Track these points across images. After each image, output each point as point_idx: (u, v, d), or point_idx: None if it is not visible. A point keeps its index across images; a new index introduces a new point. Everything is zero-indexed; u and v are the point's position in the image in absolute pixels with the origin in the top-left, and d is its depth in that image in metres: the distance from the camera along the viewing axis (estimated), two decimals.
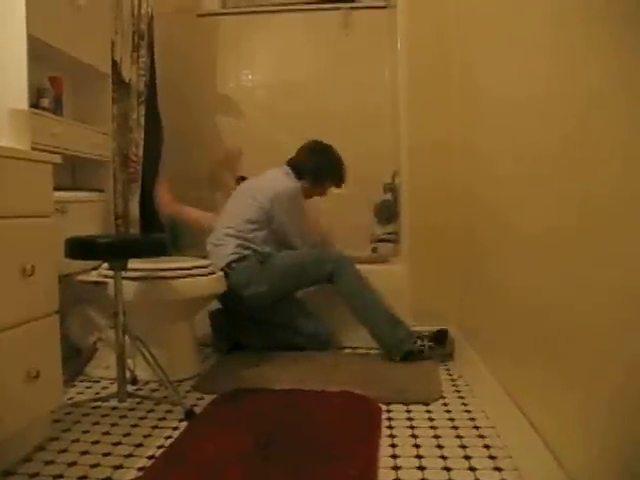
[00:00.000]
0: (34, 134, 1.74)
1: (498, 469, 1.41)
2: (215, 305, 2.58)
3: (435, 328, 2.43)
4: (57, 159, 1.58)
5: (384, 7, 3.36)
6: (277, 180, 2.60)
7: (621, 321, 0.91)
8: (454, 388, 2.06)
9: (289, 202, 2.54)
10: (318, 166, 2.68)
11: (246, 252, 2.47)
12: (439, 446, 1.55)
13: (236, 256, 2.45)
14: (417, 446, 1.56)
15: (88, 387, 2.12)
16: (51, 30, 2.07)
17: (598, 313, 1.00)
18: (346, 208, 3.32)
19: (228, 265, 2.42)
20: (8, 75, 1.73)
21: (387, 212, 3.04)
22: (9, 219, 1.38)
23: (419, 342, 2.36)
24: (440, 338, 2.38)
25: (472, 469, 1.41)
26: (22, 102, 1.72)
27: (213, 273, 2.24)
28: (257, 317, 2.57)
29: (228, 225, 2.54)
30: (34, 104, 2.06)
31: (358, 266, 2.49)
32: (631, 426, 0.88)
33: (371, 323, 2.42)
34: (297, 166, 2.67)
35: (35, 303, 1.46)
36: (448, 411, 1.83)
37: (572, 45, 1.11)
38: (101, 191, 2.52)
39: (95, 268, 2.24)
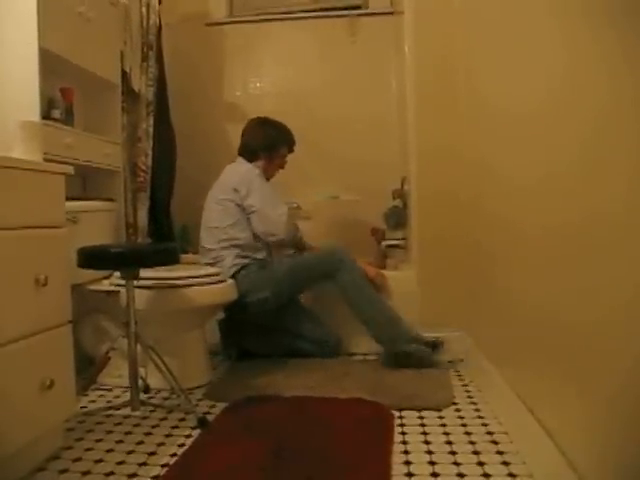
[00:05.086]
0: (46, 145, 1.76)
1: (512, 475, 1.40)
2: (223, 313, 2.59)
3: (433, 335, 2.40)
4: (69, 170, 1.60)
5: (391, 13, 3.37)
6: (229, 174, 2.60)
7: (626, 325, 0.92)
8: (466, 394, 2.05)
9: (249, 184, 2.50)
10: (267, 137, 2.66)
11: (246, 261, 2.48)
12: (452, 452, 1.55)
13: (237, 267, 2.46)
14: (430, 452, 1.55)
15: (101, 396, 2.13)
16: (61, 42, 2.09)
17: (605, 317, 0.99)
18: (356, 214, 3.33)
19: (232, 277, 2.41)
20: (20, 87, 1.77)
21: (396, 218, 3.03)
22: (22, 230, 1.39)
23: (423, 348, 2.34)
24: (435, 345, 2.35)
25: (486, 475, 1.41)
26: (34, 113, 1.75)
27: (224, 281, 2.25)
28: (264, 324, 2.57)
29: (218, 238, 2.50)
30: (45, 115, 2.07)
31: None
32: None
33: (367, 317, 2.40)
34: (249, 148, 2.66)
35: (48, 313, 1.47)
36: (460, 417, 1.82)
37: (581, 53, 1.11)
38: (112, 200, 2.54)
39: (107, 277, 2.26)
